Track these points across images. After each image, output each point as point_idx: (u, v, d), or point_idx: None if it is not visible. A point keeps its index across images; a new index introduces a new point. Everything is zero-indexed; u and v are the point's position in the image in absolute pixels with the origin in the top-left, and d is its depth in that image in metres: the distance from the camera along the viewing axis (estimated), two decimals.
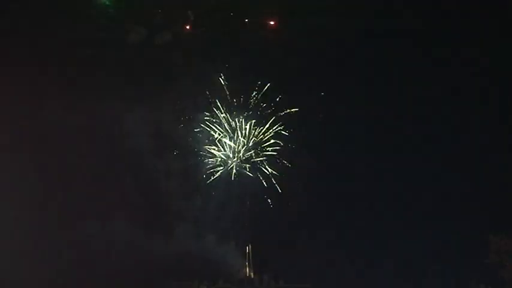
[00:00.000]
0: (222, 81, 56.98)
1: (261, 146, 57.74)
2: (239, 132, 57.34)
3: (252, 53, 55.40)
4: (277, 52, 55.50)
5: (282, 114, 57.53)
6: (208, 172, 57.19)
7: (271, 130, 57.70)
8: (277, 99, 57.56)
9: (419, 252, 54.74)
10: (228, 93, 57.14)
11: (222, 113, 56.99)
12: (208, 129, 57.24)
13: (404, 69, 56.75)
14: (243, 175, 57.52)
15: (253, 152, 57.46)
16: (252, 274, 57.31)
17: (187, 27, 56.23)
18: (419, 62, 56.70)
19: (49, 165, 53.64)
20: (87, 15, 54.12)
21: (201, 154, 57.38)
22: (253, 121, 57.55)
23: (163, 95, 55.55)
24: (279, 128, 57.77)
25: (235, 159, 57.18)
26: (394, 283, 54.30)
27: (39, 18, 53.32)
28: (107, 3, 55.25)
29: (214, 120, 57.17)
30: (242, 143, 57.45)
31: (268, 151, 57.75)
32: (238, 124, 57.23)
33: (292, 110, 57.34)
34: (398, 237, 55.59)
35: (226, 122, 57.29)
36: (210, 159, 57.47)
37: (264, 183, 57.45)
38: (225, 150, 57.45)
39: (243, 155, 57.33)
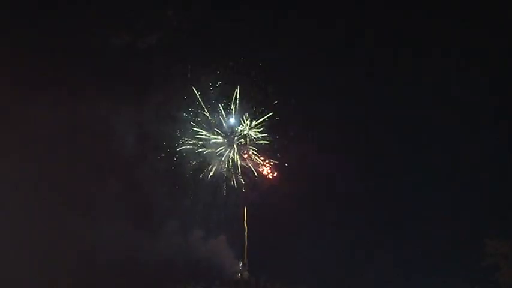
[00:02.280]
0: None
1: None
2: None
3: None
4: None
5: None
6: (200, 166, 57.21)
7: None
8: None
9: (416, 255, 54.77)
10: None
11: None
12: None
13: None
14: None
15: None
16: (248, 276, 57.38)
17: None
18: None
19: (36, 166, 53.88)
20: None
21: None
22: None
23: (149, 94, 55.90)
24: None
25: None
26: (390, 284, 54.51)
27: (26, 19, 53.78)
28: None
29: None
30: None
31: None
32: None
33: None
34: (395, 239, 55.71)
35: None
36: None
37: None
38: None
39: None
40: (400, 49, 56.11)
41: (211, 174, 57.04)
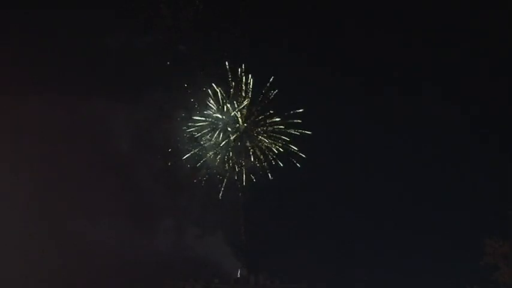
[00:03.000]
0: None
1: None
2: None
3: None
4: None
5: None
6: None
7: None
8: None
9: (415, 254, 55.02)
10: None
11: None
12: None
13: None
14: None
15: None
16: (247, 274, 57.42)
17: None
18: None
19: (33, 166, 54.01)
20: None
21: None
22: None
23: (145, 94, 55.74)
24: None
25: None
26: (389, 284, 54.60)
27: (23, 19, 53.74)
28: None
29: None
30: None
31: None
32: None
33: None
34: (394, 238, 55.96)
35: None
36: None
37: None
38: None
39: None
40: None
41: (208, 173, 57.10)
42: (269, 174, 56.91)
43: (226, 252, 57.64)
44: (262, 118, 57.44)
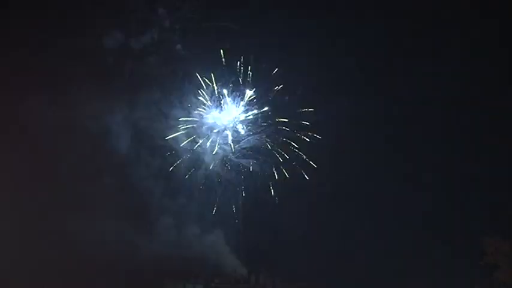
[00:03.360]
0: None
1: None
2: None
3: None
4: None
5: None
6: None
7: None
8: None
9: (415, 254, 54.86)
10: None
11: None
12: None
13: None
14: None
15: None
16: (248, 273, 57.52)
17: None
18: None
19: (31, 166, 54.15)
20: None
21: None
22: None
23: (143, 94, 55.88)
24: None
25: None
26: (389, 283, 54.62)
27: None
28: None
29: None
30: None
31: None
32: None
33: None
34: (394, 239, 55.81)
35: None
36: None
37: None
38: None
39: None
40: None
41: (206, 174, 57.19)
42: (271, 190, 57.22)
43: (226, 252, 57.70)
44: (262, 118, 57.57)
